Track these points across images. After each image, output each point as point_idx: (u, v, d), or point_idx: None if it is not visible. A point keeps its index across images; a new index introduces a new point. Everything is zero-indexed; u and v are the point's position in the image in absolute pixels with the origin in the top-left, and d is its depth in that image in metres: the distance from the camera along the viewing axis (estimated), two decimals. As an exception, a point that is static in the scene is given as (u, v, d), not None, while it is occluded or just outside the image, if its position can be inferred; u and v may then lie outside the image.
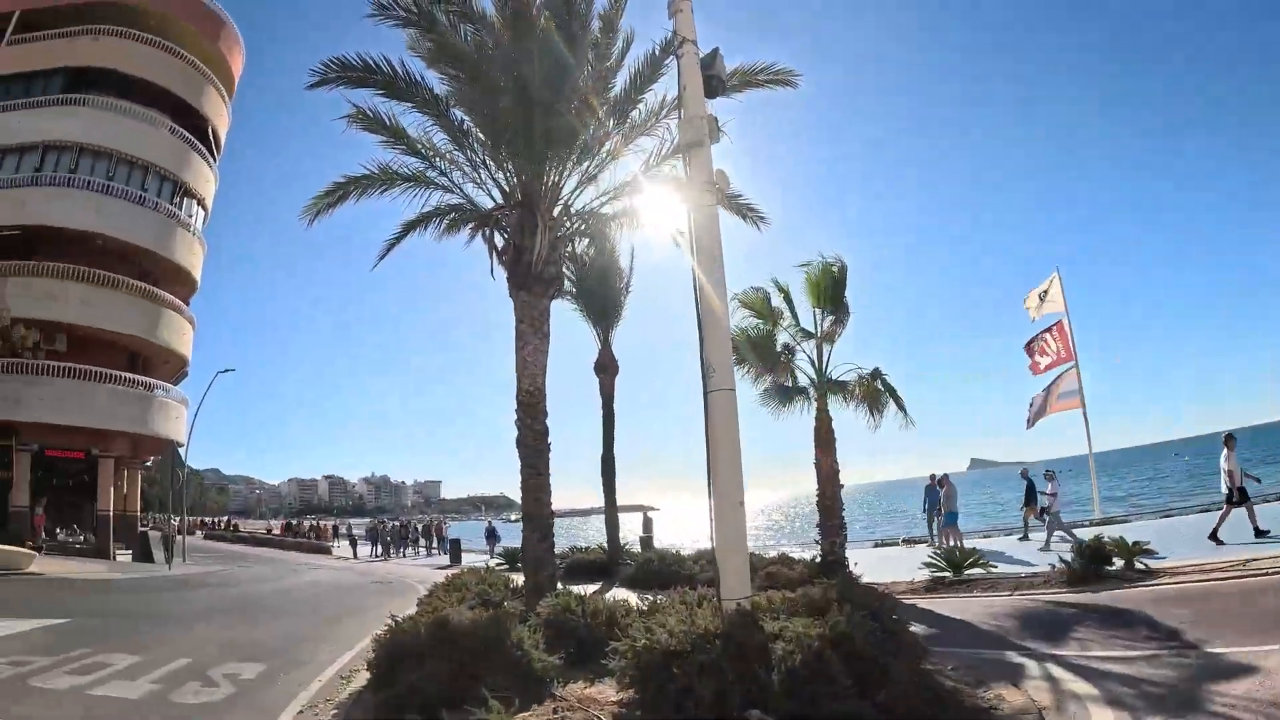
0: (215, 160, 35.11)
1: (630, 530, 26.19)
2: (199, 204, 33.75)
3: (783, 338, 15.36)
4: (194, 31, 32.92)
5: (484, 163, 12.26)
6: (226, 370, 36.89)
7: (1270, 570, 10.14)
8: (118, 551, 29.63)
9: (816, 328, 15.17)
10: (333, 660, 9.76)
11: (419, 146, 12.26)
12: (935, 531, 19.62)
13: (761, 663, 5.50)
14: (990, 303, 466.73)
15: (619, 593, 13.79)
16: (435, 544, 39.91)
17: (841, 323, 15.11)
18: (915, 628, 7.15)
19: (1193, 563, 11.50)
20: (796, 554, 17.51)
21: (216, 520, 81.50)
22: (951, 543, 17.18)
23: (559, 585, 11.88)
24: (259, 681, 8.58)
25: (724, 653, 5.59)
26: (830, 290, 14.85)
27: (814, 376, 15.13)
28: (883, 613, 6.43)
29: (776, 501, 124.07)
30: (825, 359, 15.12)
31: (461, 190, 12.63)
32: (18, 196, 28.19)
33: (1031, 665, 7.42)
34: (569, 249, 13.94)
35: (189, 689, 8.07)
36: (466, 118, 12.05)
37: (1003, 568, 13.52)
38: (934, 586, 13.12)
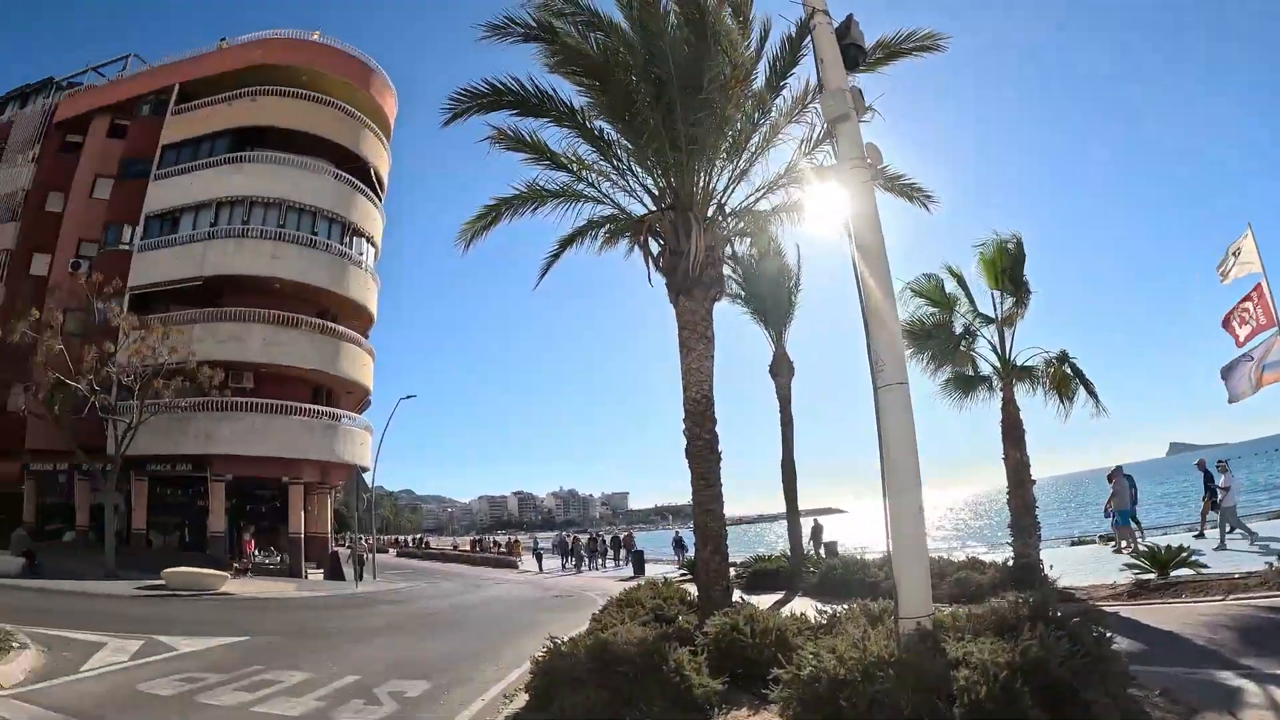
0: (380, 199, 37.26)
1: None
2: (368, 241, 35.91)
3: (960, 324, 14.40)
4: (345, 83, 35.15)
5: (630, 169, 12.02)
6: (408, 397, 38.75)
7: None
8: (309, 570, 31.78)
9: (996, 311, 14.11)
10: (499, 679, 9.73)
11: (563, 160, 12.19)
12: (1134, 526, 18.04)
13: (942, 694, 4.87)
14: (1188, 270, 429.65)
15: (799, 604, 13.19)
16: (626, 555, 40.17)
17: (1022, 304, 13.95)
18: (1117, 643, 6.14)
19: None
20: (986, 557, 16.44)
21: (409, 538, 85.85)
22: (1125, 542, 16.27)
23: (739, 596, 11.46)
24: (422, 700, 8.67)
25: (899, 683, 5.00)
26: (1009, 269, 13.76)
27: (997, 364, 14.06)
28: (1083, 630, 5.59)
29: (963, 498, 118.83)
30: (1008, 344, 14.04)
31: (612, 200, 12.49)
32: (197, 250, 30.98)
33: (1252, 689, 6.15)
34: (729, 250, 13.46)
35: (351, 707, 8.22)
36: (607, 126, 11.82)
37: (1212, 568, 11.88)
38: (1137, 591, 11.61)
